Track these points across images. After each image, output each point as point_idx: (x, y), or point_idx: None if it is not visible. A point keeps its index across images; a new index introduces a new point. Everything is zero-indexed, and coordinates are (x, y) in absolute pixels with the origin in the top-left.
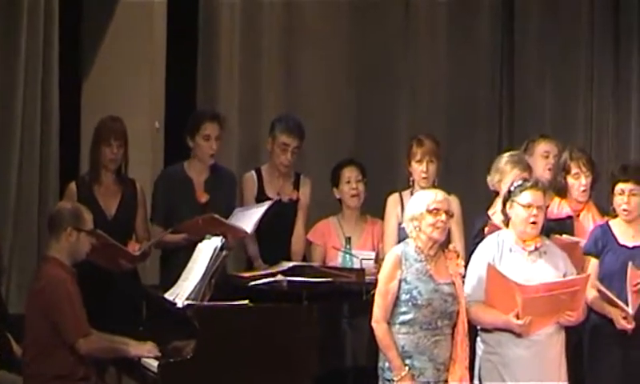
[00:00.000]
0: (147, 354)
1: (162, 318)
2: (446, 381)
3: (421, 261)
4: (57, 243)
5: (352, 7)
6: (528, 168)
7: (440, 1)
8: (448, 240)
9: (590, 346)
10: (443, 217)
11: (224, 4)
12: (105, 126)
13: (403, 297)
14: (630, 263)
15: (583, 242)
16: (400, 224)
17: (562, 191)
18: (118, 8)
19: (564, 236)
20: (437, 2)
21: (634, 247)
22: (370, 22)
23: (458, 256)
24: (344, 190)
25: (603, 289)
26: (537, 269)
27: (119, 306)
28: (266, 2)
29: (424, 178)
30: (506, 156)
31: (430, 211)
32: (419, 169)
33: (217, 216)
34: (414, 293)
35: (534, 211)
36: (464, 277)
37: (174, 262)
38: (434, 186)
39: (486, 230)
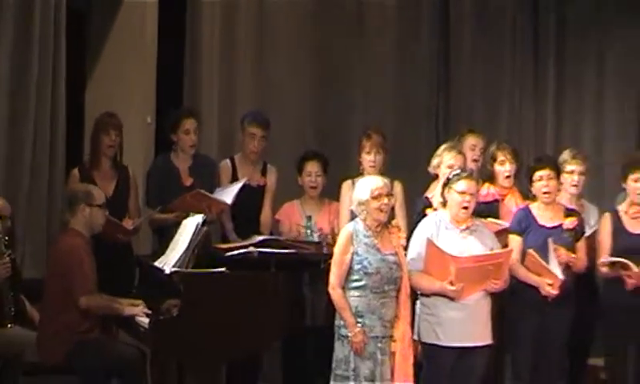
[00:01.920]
0: (138, 313)
1: (152, 282)
2: (392, 336)
3: (369, 236)
4: (73, 218)
5: (315, 17)
6: (460, 153)
7: (388, 16)
8: (392, 216)
9: (511, 310)
10: (385, 200)
11: (206, 16)
12: (104, 119)
13: (356, 267)
14: (551, 239)
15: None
16: None
17: (490, 178)
18: (120, 12)
19: (489, 219)
20: (386, 17)
21: (552, 227)
22: (330, 29)
23: (399, 230)
24: (305, 181)
25: (538, 258)
26: (468, 244)
27: (116, 272)
28: (242, 17)
29: (372, 167)
30: (443, 145)
31: (374, 197)
32: (368, 159)
33: (202, 191)
34: (365, 263)
35: (467, 197)
36: (406, 248)
37: (166, 236)
38: (380, 174)
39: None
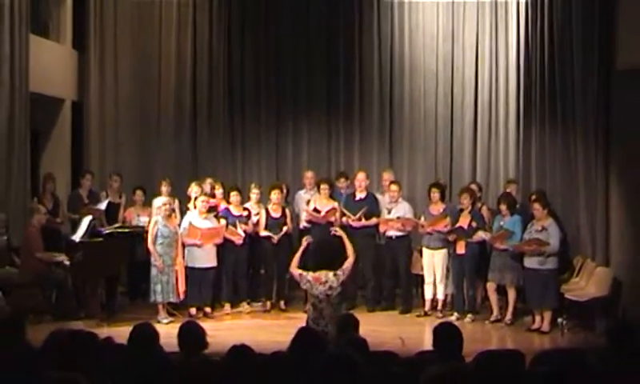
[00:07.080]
0: (64, 259)
1: (70, 245)
2: (175, 263)
3: (163, 222)
4: (32, 218)
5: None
6: (201, 186)
7: None
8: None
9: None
10: (167, 206)
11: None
12: (48, 175)
13: (159, 234)
14: (238, 221)
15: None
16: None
17: (213, 195)
18: None
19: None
20: None
21: (237, 216)
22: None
23: (176, 217)
24: (136, 199)
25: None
26: (206, 223)
27: (53, 241)
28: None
29: (166, 193)
30: (194, 182)
31: (163, 204)
32: (164, 189)
33: (93, 206)
34: (164, 234)
35: (205, 204)
36: (179, 225)
37: (76, 225)
38: (168, 196)
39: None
